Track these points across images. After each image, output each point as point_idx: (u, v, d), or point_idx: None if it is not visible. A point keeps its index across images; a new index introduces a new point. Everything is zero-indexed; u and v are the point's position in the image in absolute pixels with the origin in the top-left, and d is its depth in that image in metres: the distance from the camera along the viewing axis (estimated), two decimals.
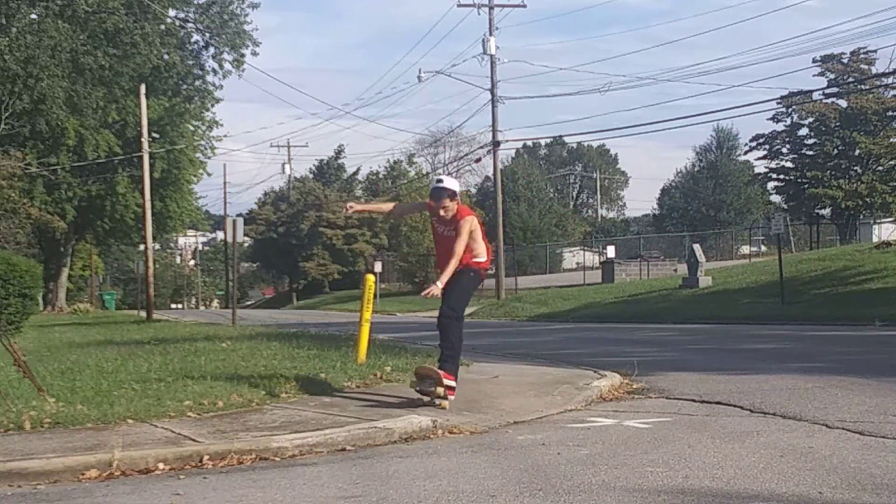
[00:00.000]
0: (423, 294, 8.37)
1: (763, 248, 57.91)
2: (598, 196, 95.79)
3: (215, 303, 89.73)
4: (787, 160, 57.21)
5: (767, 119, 56.46)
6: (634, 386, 10.21)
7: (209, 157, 51.72)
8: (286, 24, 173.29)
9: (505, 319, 33.29)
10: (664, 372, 11.41)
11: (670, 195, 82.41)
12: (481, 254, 8.56)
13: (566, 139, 72.68)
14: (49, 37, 33.33)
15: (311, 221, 70.14)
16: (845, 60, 52.58)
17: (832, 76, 53.02)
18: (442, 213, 8.36)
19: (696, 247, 36.15)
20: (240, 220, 27.29)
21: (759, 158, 60.11)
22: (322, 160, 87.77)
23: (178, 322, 29.59)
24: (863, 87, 51.15)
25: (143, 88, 34.74)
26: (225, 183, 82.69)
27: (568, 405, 8.94)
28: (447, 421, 7.74)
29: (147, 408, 7.91)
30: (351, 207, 9.28)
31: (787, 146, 56.85)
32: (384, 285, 53.18)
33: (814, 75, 53.94)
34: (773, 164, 58.03)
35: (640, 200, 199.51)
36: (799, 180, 55.75)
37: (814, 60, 52.57)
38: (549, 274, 57.64)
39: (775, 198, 64.40)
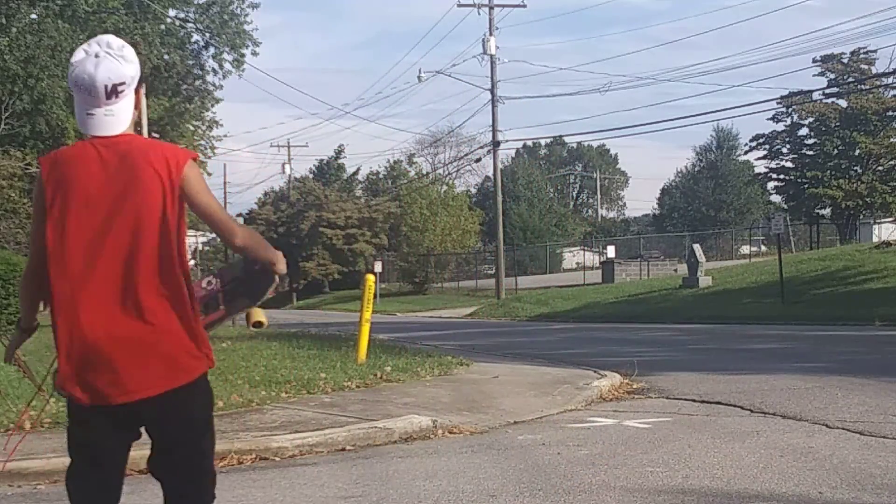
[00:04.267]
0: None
1: (763, 248, 57.81)
2: (598, 196, 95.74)
3: None
4: (787, 160, 57.19)
5: (767, 119, 56.46)
6: (634, 386, 10.21)
7: (209, 157, 51.76)
8: (286, 24, 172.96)
9: (505, 319, 33.26)
10: (664, 372, 11.41)
11: (670, 195, 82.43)
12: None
13: (566, 139, 72.59)
14: (49, 37, 33.30)
15: (311, 221, 70.08)
16: (845, 60, 52.54)
17: (832, 76, 53.00)
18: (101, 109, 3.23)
19: (697, 247, 36.10)
20: (240, 221, 27.34)
21: (759, 158, 60.15)
22: (322, 160, 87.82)
23: None
24: (863, 87, 51.11)
25: (142, 88, 34.75)
26: (225, 183, 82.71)
27: (568, 405, 8.95)
28: (447, 421, 7.74)
29: None
30: None
31: (787, 146, 56.83)
32: (384, 285, 53.17)
33: (814, 75, 54.02)
34: (773, 164, 58.03)
35: (640, 200, 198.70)
36: (799, 180, 55.72)
37: (814, 60, 52.59)
38: (549, 274, 57.56)
39: (775, 198, 64.39)
